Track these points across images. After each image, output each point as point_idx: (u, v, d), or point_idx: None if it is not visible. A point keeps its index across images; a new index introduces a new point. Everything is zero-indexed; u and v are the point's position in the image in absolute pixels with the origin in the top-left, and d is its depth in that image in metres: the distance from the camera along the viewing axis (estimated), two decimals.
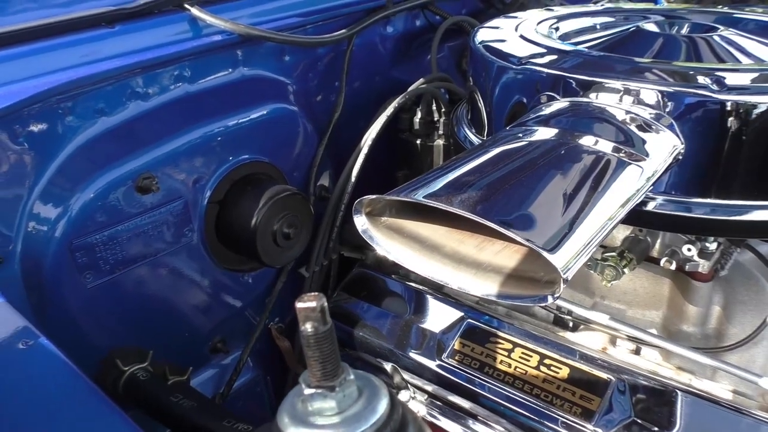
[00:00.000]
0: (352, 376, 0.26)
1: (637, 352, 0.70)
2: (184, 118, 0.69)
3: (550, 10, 0.86)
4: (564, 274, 0.36)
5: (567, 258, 0.37)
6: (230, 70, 0.73)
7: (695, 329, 0.70)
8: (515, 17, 0.81)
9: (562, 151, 0.49)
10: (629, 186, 0.47)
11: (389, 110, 0.83)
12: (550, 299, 0.37)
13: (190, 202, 0.70)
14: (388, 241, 0.44)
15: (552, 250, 0.36)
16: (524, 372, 0.65)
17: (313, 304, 0.25)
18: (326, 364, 0.24)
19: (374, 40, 0.91)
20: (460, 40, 1.04)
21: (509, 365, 0.66)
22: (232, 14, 0.75)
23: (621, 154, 0.50)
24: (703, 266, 0.66)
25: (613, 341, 0.70)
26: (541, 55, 0.63)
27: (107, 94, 0.63)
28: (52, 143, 0.60)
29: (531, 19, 0.78)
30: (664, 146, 0.51)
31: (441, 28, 0.93)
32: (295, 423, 0.25)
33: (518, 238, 0.37)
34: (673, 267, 0.67)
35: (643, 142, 0.51)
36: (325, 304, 0.26)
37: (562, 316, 0.71)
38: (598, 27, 0.81)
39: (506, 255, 0.42)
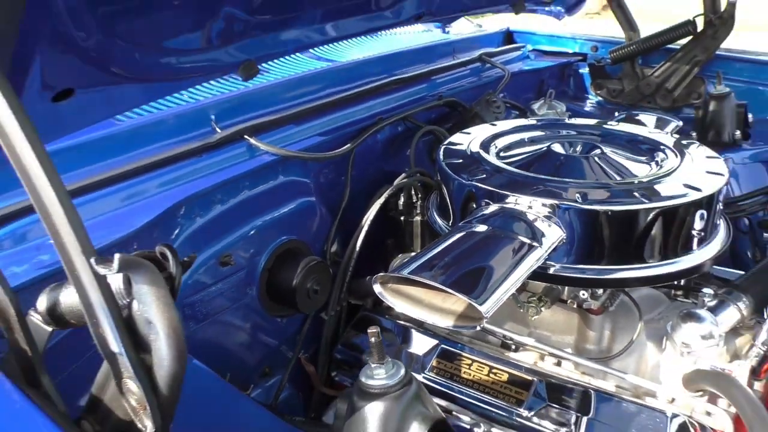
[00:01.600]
0: (390, 360, 0.58)
1: (558, 364, 1.03)
2: (246, 213, 1.02)
3: (494, 125, 1.23)
4: (485, 314, 0.70)
5: (488, 306, 0.71)
6: (274, 178, 1.07)
7: (593, 347, 1.04)
8: (468, 133, 1.16)
9: (492, 240, 0.84)
10: (529, 261, 0.82)
11: (381, 199, 1.17)
12: (477, 328, 0.71)
13: (251, 270, 1.03)
14: (393, 299, 0.77)
15: (479, 301, 0.70)
16: (480, 379, 0.97)
17: (375, 329, 0.58)
18: (380, 354, 0.57)
19: (370, 145, 1.27)
20: (431, 137, 1.40)
21: (470, 375, 0.99)
22: (275, 138, 1.10)
23: (527, 241, 0.84)
24: (594, 305, 1.01)
25: (542, 357, 1.04)
26: (483, 171, 0.98)
27: (201, 203, 0.96)
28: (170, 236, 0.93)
29: (478, 137, 1.14)
30: (553, 236, 0.86)
31: (417, 136, 1.29)
32: (368, 378, 0.57)
33: (461, 296, 0.70)
34: (575, 306, 1.02)
35: (542, 234, 0.86)
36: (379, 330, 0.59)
37: (506, 341, 1.05)
38: (526, 140, 1.17)
39: (458, 304, 0.76)
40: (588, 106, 1.84)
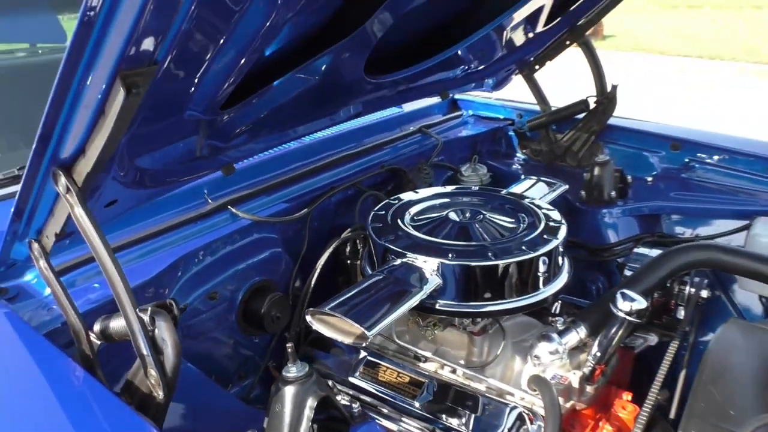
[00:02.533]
0: (299, 362, 0.99)
1: (454, 371, 1.44)
2: (229, 262, 1.44)
3: (416, 193, 1.64)
4: (369, 335, 1.11)
5: (374, 331, 1.12)
6: (250, 236, 1.49)
7: (476, 359, 1.45)
8: (398, 199, 1.58)
9: (388, 286, 1.25)
10: (411, 302, 1.23)
11: (330, 248, 1.59)
12: (364, 344, 1.12)
13: (231, 302, 1.44)
14: (318, 325, 1.18)
15: (367, 327, 1.11)
16: (390, 380, 1.38)
17: (290, 345, 0.99)
18: (294, 358, 0.98)
19: (326, 206, 1.68)
20: (373, 198, 1.81)
21: (384, 377, 1.39)
22: (251, 206, 1.52)
23: (412, 287, 1.26)
24: (475, 329, 1.42)
25: (441, 367, 1.44)
26: (394, 235, 1.40)
27: (196, 257, 1.38)
28: (175, 280, 1.34)
29: (401, 204, 1.55)
30: (433, 284, 1.27)
31: (360, 200, 1.71)
32: (286, 372, 0.98)
33: (356, 324, 1.12)
34: (462, 329, 1.43)
35: (426, 281, 1.27)
36: (293, 345, 1.00)
37: (417, 354, 1.45)
38: (437, 205, 1.59)
39: (356, 328, 1.17)
40: (515, 164, 2.26)
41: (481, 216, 1.49)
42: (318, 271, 1.56)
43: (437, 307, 1.32)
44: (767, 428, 0.92)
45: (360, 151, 1.83)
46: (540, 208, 1.52)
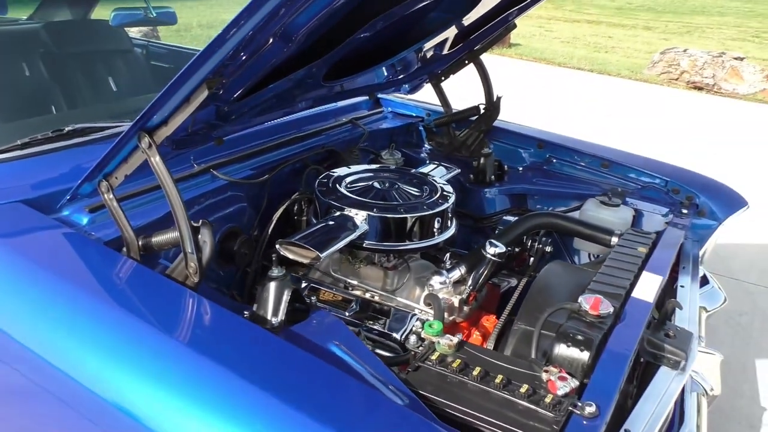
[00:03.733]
0: (282, 267, 1.53)
1: (373, 295, 2.01)
2: (209, 211, 1.94)
3: (349, 168, 2.20)
4: (321, 257, 1.66)
5: (323, 254, 1.67)
6: (224, 193, 1.99)
7: (389, 287, 2.04)
8: (335, 172, 2.13)
9: (333, 228, 1.81)
10: (347, 238, 1.79)
11: (283, 207, 2.11)
12: (317, 264, 1.67)
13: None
14: (284, 251, 1.72)
15: (319, 250, 1.66)
16: (329, 299, 1.94)
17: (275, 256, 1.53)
18: (278, 265, 1.50)
19: (282, 175, 2.20)
20: (315, 171, 2.35)
21: (324, 297, 1.95)
22: (227, 170, 2.02)
23: (349, 230, 1.82)
24: (389, 265, 2.01)
25: (365, 292, 2.02)
26: (336, 195, 1.95)
27: (187, 206, 1.86)
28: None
29: (339, 175, 2.11)
30: (362, 229, 1.84)
31: (306, 171, 2.25)
32: (271, 272, 1.52)
33: (313, 250, 1.67)
34: (381, 265, 2.01)
35: (358, 227, 1.84)
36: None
37: (347, 283, 2.02)
38: (365, 177, 2.15)
39: (313, 252, 1.72)
40: (423, 152, 2.87)
41: (396, 185, 2.08)
42: (273, 222, 2.09)
43: (364, 245, 1.89)
44: (560, 311, 1.57)
45: (306, 135, 2.36)
46: (437, 183, 2.14)
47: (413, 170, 2.26)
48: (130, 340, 1.22)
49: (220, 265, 1.98)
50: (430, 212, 1.92)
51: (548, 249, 2.28)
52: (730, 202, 2.37)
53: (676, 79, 9.90)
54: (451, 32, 2.32)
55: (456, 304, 1.97)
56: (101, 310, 1.29)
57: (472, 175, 2.58)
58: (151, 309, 1.30)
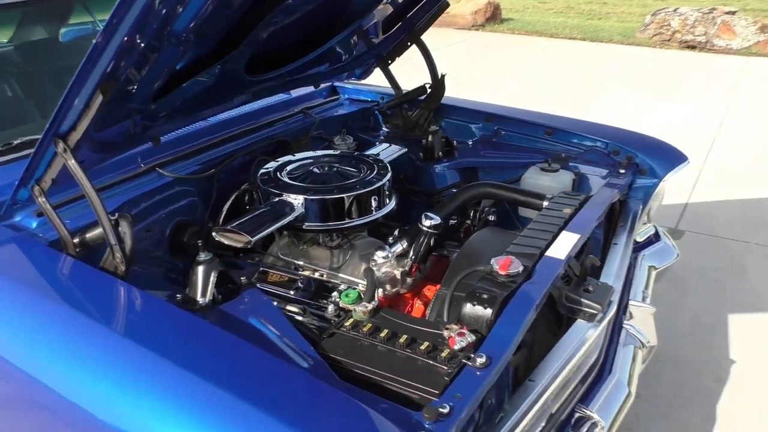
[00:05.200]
0: (209, 253, 1.64)
1: (322, 276, 2.12)
2: (160, 206, 2.05)
3: (293, 155, 2.30)
4: (252, 239, 1.77)
5: (255, 237, 1.78)
6: (172, 188, 2.11)
7: (335, 265, 2.14)
8: (278, 161, 2.24)
9: (269, 213, 1.92)
10: (282, 221, 1.90)
11: (231, 198, 2.22)
12: (249, 246, 1.79)
13: (161, 235, 2.05)
14: (219, 238, 1.83)
15: (251, 235, 1.77)
16: (275, 280, 2.04)
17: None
18: (205, 250, 1.61)
19: (232, 167, 2.31)
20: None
21: (272, 279, 2.07)
22: (174, 167, 2.14)
23: (284, 213, 1.93)
24: (332, 244, 2.11)
25: (313, 272, 2.12)
26: (276, 183, 2.06)
27: (135, 202, 1.98)
28: None
29: (280, 164, 2.21)
30: (298, 211, 1.95)
31: (254, 162, 2.35)
32: (198, 257, 1.63)
33: (244, 234, 1.78)
34: (325, 245, 2.11)
35: (294, 209, 1.95)
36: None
37: (295, 264, 2.12)
38: (306, 164, 2.25)
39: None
40: (381, 135, 2.95)
41: (335, 168, 2.17)
42: (224, 213, 2.21)
43: (304, 227, 2.00)
44: (475, 273, 1.66)
45: (256, 127, 2.47)
46: (377, 162, 2.23)
47: (356, 153, 2.36)
48: (60, 328, 1.34)
49: (174, 255, 2.10)
50: (364, 191, 2.02)
51: (491, 218, 2.37)
52: (670, 159, 2.43)
53: (668, 40, 9.80)
54: (385, 14, 2.40)
55: (398, 276, 2.06)
56: (39, 303, 1.42)
57: (421, 153, 2.67)
58: (81, 298, 1.43)
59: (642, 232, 2.47)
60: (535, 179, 2.36)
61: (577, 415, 1.66)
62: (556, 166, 2.36)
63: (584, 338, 1.62)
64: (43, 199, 1.56)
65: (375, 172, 2.14)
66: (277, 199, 2.00)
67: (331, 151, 2.37)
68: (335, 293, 1.88)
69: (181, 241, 2.09)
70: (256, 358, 1.25)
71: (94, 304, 1.40)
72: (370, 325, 1.48)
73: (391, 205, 2.14)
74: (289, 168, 2.20)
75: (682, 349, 3.00)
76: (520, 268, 1.61)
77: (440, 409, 1.14)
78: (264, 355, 1.26)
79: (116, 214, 1.49)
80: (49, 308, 1.38)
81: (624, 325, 2.00)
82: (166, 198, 2.08)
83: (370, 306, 1.53)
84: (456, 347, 1.36)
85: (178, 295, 1.57)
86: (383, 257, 2.06)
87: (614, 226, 2.24)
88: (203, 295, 1.57)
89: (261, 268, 2.12)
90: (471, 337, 1.39)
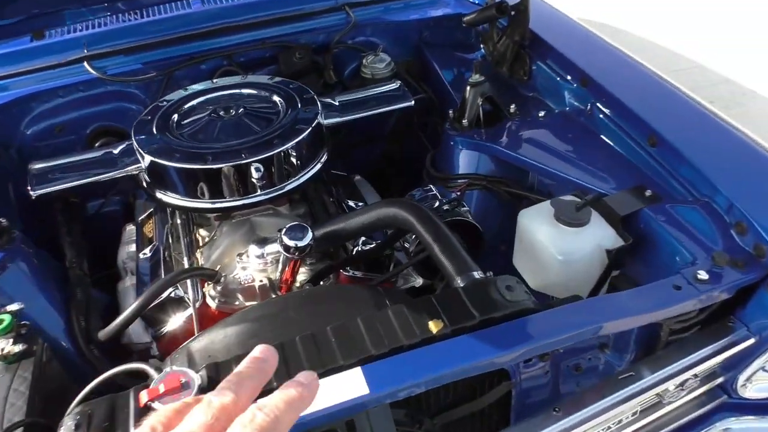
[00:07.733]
0: None
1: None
2: (78, 107, 1.79)
3: (186, 90, 1.61)
4: (33, 195, 1.41)
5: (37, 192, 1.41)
6: (97, 88, 1.78)
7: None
8: (165, 101, 1.57)
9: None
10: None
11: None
12: None
13: (77, 137, 1.82)
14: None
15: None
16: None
17: None
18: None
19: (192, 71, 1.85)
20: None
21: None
22: (108, 62, 1.80)
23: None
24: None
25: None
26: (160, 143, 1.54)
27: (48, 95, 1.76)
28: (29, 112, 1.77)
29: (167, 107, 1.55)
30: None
31: (217, 73, 1.83)
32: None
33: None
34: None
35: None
36: None
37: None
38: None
39: None
40: (475, 59, 1.94)
41: (243, 110, 1.51)
42: None
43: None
44: None
45: (247, 25, 1.89)
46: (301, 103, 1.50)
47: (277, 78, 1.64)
48: None
49: None
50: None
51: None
52: None
53: None
54: None
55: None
56: None
57: (451, 111, 1.72)
58: None
59: None
60: (537, 227, 1.29)
61: None
62: (586, 217, 1.23)
63: None
64: None
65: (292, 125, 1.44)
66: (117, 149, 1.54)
67: (239, 80, 1.66)
68: None
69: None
70: None
71: None
72: None
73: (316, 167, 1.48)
74: (185, 107, 1.58)
75: None
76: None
77: None
78: None
79: None
80: None
81: None
82: (87, 98, 1.80)
83: None
84: None
85: None
86: (257, 255, 1.45)
87: None
88: None
89: None
90: None
